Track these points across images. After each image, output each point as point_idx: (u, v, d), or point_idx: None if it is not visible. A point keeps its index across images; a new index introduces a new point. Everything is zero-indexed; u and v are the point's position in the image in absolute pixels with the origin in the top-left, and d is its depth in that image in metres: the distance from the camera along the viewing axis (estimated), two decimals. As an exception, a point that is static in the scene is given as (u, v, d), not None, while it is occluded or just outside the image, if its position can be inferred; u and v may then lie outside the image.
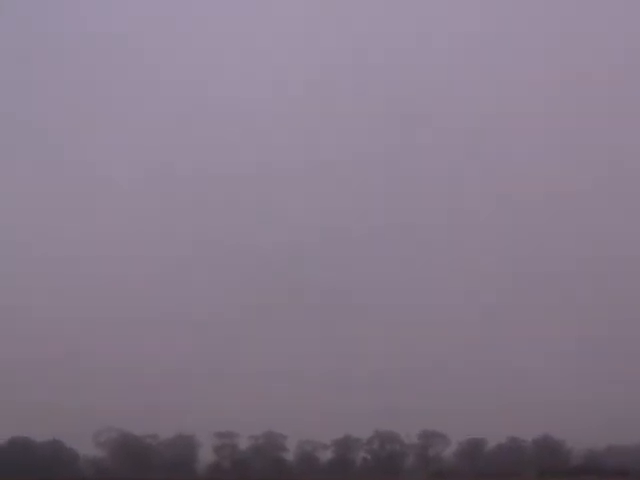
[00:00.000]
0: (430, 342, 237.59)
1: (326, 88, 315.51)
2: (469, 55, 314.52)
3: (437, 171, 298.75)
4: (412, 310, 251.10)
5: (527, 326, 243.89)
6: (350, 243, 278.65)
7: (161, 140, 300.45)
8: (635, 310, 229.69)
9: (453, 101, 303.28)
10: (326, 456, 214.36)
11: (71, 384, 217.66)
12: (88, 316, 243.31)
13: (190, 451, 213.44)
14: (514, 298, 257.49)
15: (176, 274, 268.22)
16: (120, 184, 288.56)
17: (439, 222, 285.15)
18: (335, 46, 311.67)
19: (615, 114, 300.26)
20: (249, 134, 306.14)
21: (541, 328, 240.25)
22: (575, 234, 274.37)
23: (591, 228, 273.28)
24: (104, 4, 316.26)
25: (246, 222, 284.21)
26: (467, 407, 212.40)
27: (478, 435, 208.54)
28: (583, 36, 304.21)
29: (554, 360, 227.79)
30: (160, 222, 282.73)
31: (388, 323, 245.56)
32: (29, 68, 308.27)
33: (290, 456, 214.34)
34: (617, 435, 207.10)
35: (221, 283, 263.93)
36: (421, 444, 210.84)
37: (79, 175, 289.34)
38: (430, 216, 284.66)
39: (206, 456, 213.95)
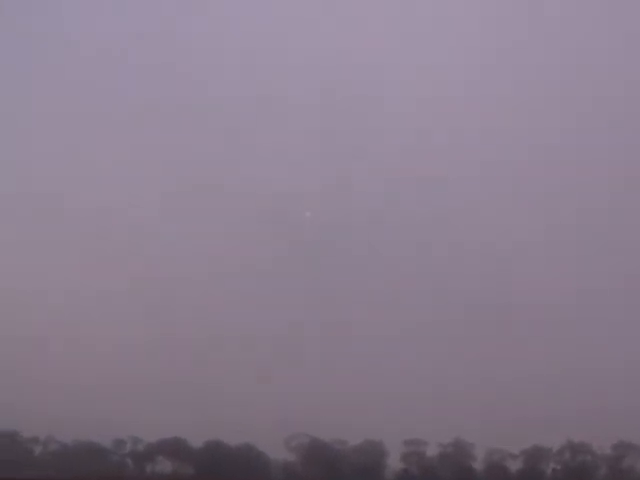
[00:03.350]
0: (625, 346, 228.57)
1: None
2: None
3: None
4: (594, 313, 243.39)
5: None
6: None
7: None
8: None
9: None
10: (515, 466, 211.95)
11: (264, 389, 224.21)
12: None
13: (378, 458, 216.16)
14: None
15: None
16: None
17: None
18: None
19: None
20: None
21: None
22: None
23: None
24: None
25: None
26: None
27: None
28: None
29: None
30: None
31: (577, 327, 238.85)
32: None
33: (478, 465, 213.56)
34: None
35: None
36: (615, 455, 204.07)
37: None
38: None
39: (394, 463, 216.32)
